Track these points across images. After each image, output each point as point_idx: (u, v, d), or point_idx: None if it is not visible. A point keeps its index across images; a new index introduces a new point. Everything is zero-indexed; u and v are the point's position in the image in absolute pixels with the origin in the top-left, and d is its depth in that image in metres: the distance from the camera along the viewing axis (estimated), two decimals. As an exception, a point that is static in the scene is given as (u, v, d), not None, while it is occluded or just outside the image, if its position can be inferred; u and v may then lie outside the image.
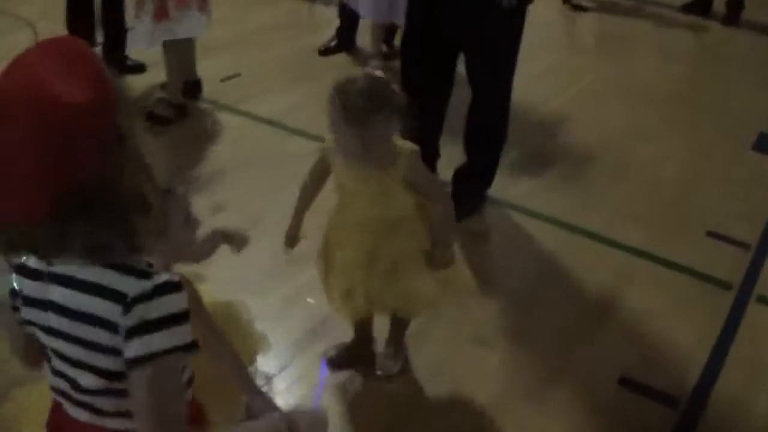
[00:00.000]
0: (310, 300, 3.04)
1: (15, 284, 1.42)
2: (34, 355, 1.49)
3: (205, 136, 4.36)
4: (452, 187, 3.75)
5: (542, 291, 3.29)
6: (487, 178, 3.75)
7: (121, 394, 1.36)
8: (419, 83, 3.53)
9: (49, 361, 1.44)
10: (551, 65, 5.37)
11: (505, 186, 3.87)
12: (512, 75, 3.50)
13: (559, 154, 4.33)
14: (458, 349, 2.97)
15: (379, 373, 2.82)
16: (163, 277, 1.31)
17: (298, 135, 4.24)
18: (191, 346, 1.33)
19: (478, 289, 3.17)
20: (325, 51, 5.34)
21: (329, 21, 5.53)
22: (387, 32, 5.16)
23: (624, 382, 2.85)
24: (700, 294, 3.32)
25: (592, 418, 2.73)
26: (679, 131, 4.64)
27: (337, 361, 2.83)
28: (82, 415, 1.44)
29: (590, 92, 5.06)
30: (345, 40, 5.38)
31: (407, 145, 2.43)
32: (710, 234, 3.67)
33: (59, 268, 1.34)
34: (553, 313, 3.17)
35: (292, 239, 2.67)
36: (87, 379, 1.38)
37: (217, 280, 2.37)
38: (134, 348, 1.29)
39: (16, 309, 1.43)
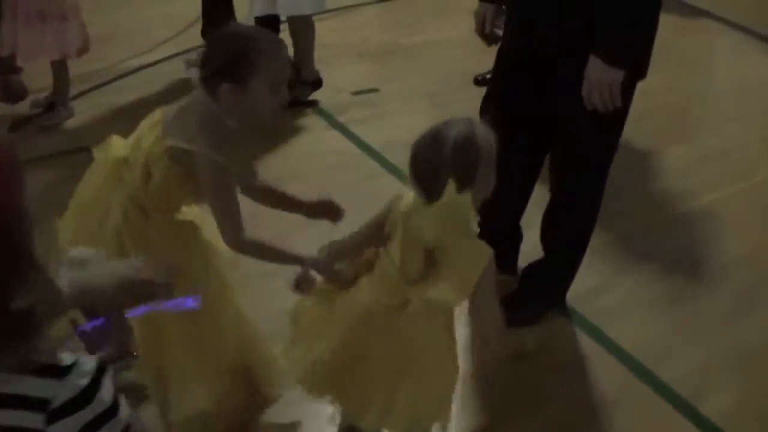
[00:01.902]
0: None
1: None
2: None
3: (294, 158, 3.82)
4: (519, 284, 3.00)
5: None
6: (559, 285, 2.95)
7: None
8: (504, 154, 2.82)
9: None
10: (733, 145, 4.30)
11: (590, 294, 3.05)
12: (605, 177, 2.68)
13: (678, 265, 3.34)
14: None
15: None
16: (83, 373, 1.09)
17: (393, 174, 3.61)
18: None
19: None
20: (482, 81, 4.59)
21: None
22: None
23: None
24: None
25: None
26: None
27: None
28: None
29: (763, 191, 3.98)
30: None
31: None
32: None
33: None
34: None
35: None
36: None
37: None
38: None
39: None
